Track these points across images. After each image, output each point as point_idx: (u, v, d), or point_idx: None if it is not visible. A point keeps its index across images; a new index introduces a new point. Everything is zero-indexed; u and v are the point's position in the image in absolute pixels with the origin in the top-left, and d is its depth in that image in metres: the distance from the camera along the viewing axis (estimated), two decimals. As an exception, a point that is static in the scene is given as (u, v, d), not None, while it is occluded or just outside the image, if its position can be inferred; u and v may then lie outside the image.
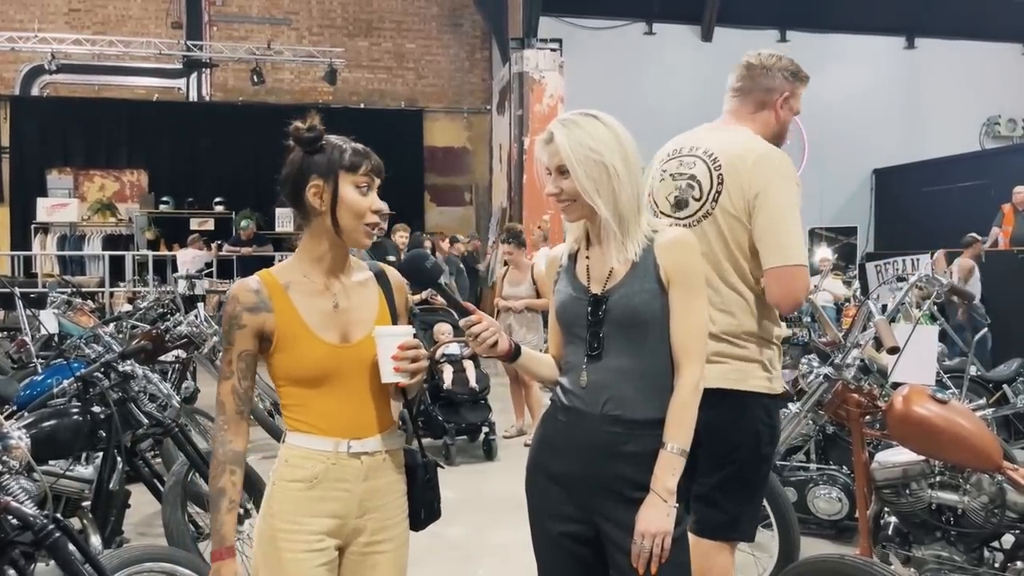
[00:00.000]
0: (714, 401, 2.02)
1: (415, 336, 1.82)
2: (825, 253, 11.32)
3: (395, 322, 1.91)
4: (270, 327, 1.78)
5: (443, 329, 6.42)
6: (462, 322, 1.86)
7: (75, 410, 3.25)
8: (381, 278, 1.94)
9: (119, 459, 3.28)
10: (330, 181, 1.77)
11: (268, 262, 11.26)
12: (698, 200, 2.31)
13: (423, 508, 1.95)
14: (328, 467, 1.79)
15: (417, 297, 5.83)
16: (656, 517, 1.79)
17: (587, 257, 1.95)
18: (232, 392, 1.78)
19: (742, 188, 2.23)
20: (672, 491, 1.81)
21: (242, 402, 1.79)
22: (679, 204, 2.36)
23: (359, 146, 1.83)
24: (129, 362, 3.52)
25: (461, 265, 11.23)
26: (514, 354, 1.93)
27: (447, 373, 6.14)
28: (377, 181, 1.83)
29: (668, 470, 1.81)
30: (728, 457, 2.25)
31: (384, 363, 1.78)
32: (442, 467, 2.04)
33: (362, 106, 13.96)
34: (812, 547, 3.79)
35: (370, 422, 1.84)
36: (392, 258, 6.56)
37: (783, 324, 2.50)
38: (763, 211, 2.21)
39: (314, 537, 1.78)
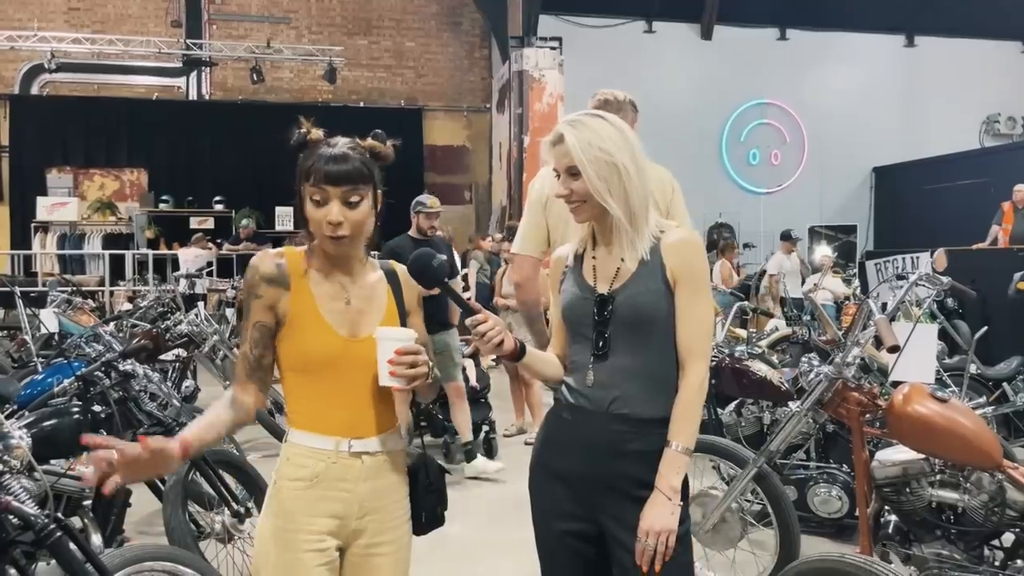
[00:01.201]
0: None
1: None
2: (825, 251, 11.32)
3: (404, 319, 1.90)
4: (284, 307, 1.79)
5: (448, 328, 6.41)
6: (468, 321, 1.85)
7: (76, 409, 3.25)
8: (391, 276, 1.94)
9: (120, 458, 3.27)
10: (300, 189, 1.78)
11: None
12: None
13: (424, 512, 1.93)
14: (328, 466, 1.79)
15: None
16: (661, 515, 1.79)
17: (593, 257, 1.95)
18: (243, 357, 1.82)
19: (663, 192, 2.70)
20: (677, 489, 1.81)
21: (251, 368, 1.81)
22: None
23: (330, 152, 1.74)
24: (130, 361, 3.52)
25: None
26: (519, 353, 1.93)
27: (447, 372, 6.14)
28: (334, 190, 1.72)
29: (673, 468, 1.81)
30: None
31: (382, 366, 1.76)
32: (449, 473, 2.01)
33: (362, 105, 13.95)
34: (812, 546, 3.80)
35: (371, 421, 1.84)
36: (444, 256, 6.49)
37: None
38: (673, 209, 2.74)
39: (315, 537, 1.77)
